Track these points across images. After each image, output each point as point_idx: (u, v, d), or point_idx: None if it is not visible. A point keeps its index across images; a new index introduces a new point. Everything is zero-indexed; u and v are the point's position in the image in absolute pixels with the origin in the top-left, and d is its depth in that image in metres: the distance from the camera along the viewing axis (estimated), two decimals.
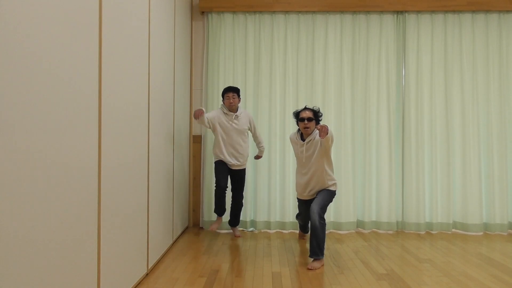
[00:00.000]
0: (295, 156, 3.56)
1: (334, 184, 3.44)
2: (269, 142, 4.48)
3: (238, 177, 4.05)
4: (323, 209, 3.27)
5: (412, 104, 4.48)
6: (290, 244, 3.91)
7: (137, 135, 2.70)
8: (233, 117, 3.91)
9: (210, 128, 3.93)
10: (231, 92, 3.94)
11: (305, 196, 3.54)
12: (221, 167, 3.92)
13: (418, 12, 4.51)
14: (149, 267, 2.97)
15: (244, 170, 4.06)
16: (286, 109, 4.51)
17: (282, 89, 4.55)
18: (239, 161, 3.96)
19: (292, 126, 4.53)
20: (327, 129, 3.05)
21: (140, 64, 2.75)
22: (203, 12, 4.60)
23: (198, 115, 3.65)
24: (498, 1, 4.39)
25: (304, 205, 3.63)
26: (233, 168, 3.98)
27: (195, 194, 4.63)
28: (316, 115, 3.42)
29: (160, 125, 3.32)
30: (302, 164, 3.46)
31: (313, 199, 3.44)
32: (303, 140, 3.45)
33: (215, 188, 3.89)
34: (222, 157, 3.92)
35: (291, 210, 4.45)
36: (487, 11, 4.48)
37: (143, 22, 2.82)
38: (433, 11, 4.51)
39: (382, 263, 3.26)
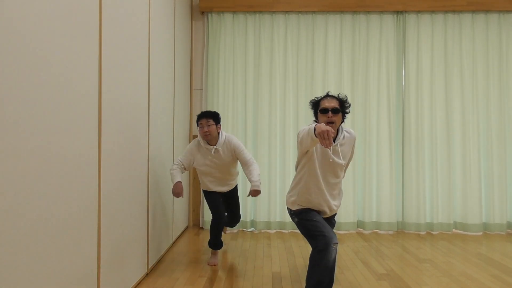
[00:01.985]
0: (308, 161, 2.40)
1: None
2: (269, 142, 4.48)
3: (230, 196, 3.41)
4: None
5: (412, 104, 4.48)
6: (290, 244, 3.91)
7: (137, 135, 2.70)
8: (212, 151, 3.10)
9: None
10: (204, 118, 3.08)
11: (329, 214, 2.52)
12: (213, 195, 3.28)
13: (418, 12, 4.51)
14: (149, 267, 2.97)
15: (235, 187, 3.44)
16: (286, 109, 4.51)
17: (282, 88, 4.55)
18: (228, 185, 3.32)
19: (292, 126, 4.53)
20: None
21: (140, 64, 2.75)
22: (203, 12, 4.60)
23: (178, 193, 3.00)
24: (498, 1, 4.39)
25: (325, 224, 2.40)
26: (224, 192, 3.35)
27: (195, 194, 4.63)
28: (343, 106, 2.45)
29: (160, 125, 3.32)
30: (329, 174, 2.43)
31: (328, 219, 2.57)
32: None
33: (212, 219, 3.21)
34: (209, 189, 3.29)
35: None
36: (487, 11, 4.48)
37: (143, 22, 2.82)
38: (433, 11, 4.51)
39: (382, 263, 3.26)
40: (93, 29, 2.00)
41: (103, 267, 2.14)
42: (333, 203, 2.47)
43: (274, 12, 4.54)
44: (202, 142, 3.13)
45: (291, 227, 4.46)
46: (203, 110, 4.58)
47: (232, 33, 4.56)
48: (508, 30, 4.49)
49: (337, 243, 2.24)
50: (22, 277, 1.43)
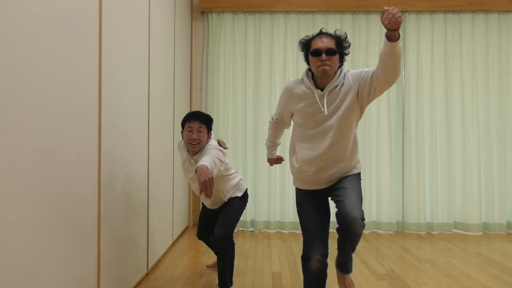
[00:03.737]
0: (297, 116, 2.08)
1: (359, 163, 2.08)
2: None
3: (221, 210, 2.68)
4: (361, 205, 1.87)
5: (412, 104, 4.48)
6: (290, 244, 3.91)
7: (137, 135, 2.70)
8: (189, 162, 2.47)
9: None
10: (196, 121, 2.40)
11: (318, 185, 2.03)
12: (204, 211, 2.87)
13: (418, 12, 4.51)
14: (149, 267, 2.97)
15: (230, 200, 2.68)
16: None
17: (282, 88, 4.54)
18: (219, 203, 2.71)
19: (292, 126, 4.52)
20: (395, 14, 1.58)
21: (140, 64, 2.75)
22: (203, 12, 4.60)
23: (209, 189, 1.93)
24: (498, 1, 4.39)
25: (315, 205, 2.06)
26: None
27: (195, 194, 4.63)
28: (340, 45, 1.97)
29: (160, 125, 3.32)
30: (316, 129, 1.98)
31: (328, 189, 2.02)
32: (319, 88, 1.98)
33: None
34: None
35: (291, 210, 4.44)
36: (487, 11, 4.47)
37: (143, 22, 2.82)
38: (433, 11, 4.50)
39: (382, 263, 3.26)
40: (93, 29, 2.00)
41: (103, 267, 2.14)
42: (332, 171, 1.96)
43: (274, 12, 4.54)
44: (183, 150, 2.52)
45: (291, 227, 4.46)
46: (203, 110, 4.57)
47: (232, 33, 4.56)
48: (508, 30, 4.49)
49: (323, 256, 1.96)
50: (22, 277, 1.43)
